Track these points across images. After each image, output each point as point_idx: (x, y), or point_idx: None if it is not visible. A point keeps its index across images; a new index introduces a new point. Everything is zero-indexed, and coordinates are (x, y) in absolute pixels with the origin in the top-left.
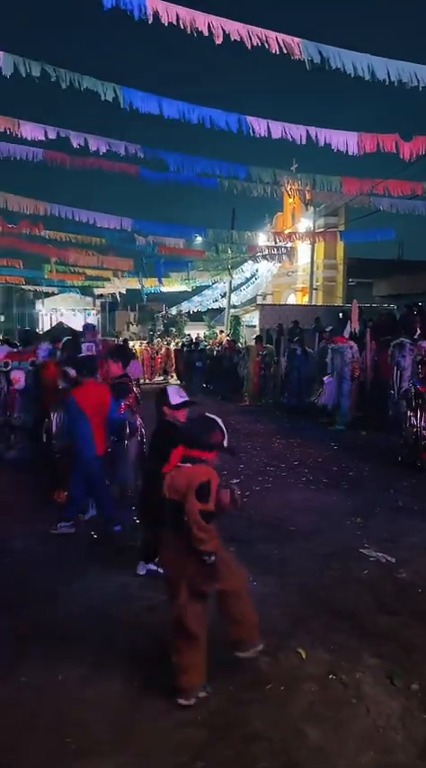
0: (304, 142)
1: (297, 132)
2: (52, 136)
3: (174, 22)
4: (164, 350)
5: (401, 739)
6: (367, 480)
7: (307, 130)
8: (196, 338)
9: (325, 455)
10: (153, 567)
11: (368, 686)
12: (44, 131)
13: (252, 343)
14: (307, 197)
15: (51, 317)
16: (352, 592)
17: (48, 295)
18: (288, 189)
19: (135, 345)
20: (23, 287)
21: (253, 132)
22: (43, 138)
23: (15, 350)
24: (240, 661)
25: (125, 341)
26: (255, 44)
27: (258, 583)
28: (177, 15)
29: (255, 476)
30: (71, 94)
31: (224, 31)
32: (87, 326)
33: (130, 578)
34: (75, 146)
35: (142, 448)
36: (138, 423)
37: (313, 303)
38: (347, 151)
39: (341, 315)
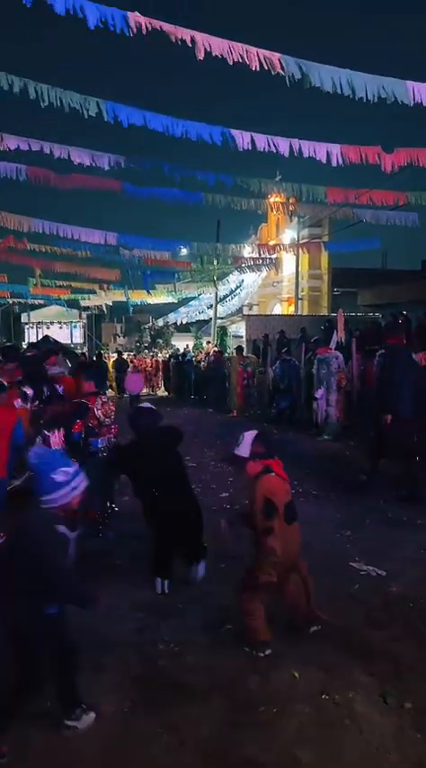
0: (287, 154)
1: (282, 144)
2: (35, 148)
3: (157, 36)
4: (150, 361)
5: (396, 760)
6: (355, 491)
7: (291, 142)
8: (185, 349)
9: (314, 466)
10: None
11: (361, 705)
12: (27, 144)
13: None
14: (291, 208)
15: (37, 330)
16: (343, 607)
17: (33, 308)
18: (272, 202)
19: (133, 357)
20: (8, 300)
21: (237, 145)
22: (27, 149)
23: None
24: (232, 682)
25: (119, 353)
26: (236, 59)
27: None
28: (161, 28)
29: (244, 489)
30: (54, 110)
31: (205, 47)
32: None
33: (119, 598)
34: (57, 156)
35: (103, 470)
36: (101, 444)
37: (298, 313)
38: (330, 162)
39: (326, 324)
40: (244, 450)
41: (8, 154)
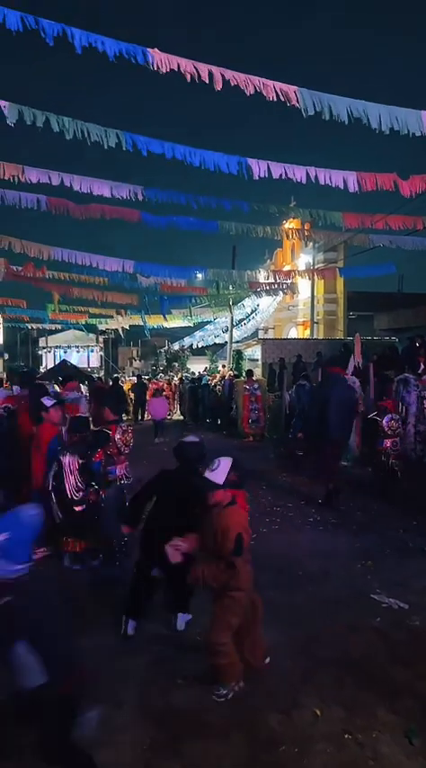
0: (304, 181)
1: (298, 172)
2: (55, 181)
3: (176, 69)
4: (165, 384)
5: None
6: (375, 520)
7: (307, 170)
8: (200, 373)
9: None
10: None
11: (385, 745)
12: (48, 176)
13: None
14: (307, 233)
15: (55, 355)
16: (364, 641)
17: (51, 332)
18: (287, 228)
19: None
20: (27, 324)
21: (254, 174)
22: (47, 182)
23: (12, 393)
24: (253, 719)
25: (138, 377)
26: (252, 92)
27: (266, 632)
28: (178, 65)
29: (262, 516)
30: (75, 142)
31: (223, 78)
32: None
33: (138, 631)
34: (77, 189)
35: (123, 498)
36: (119, 472)
37: (314, 337)
38: (346, 188)
39: (342, 348)
40: (218, 476)
41: (30, 187)
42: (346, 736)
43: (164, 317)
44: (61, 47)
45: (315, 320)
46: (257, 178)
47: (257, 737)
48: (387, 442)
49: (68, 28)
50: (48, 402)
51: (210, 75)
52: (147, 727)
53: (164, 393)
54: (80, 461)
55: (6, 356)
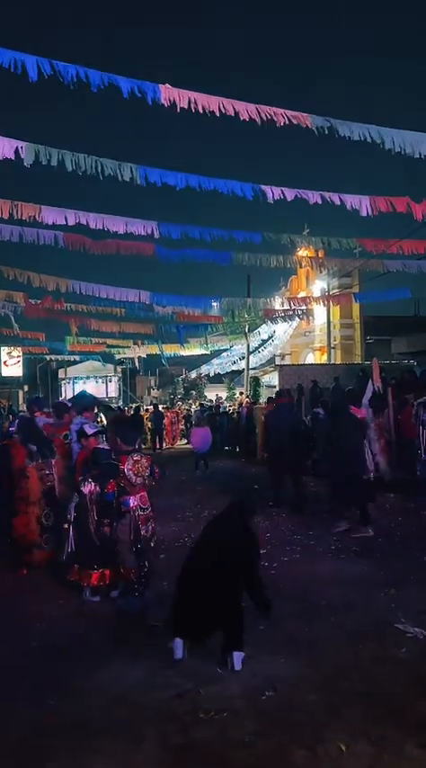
0: (320, 202)
1: (311, 197)
2: (71, 221)
3: (186, 107)
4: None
5: None
6: (398, 547)
7: (321, 194)
8: (217, 401)
9: (352, 520)
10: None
11: None
12: (64, 216)
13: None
14: (320, 258)
15: (74, 386)
16: (390, 673)
17: (70, 363)
18: (300, 256)
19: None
20: (46, 356)
21: (268, 198)
22: (64, 223)
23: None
24: (277, 756)
25: (155, 406)
26: (264, 119)
27: (288, 664)
28: (189, 100)
29: (282, 545)
30: (90, 177)
31: (234, 110)
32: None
33: (159, 663)
34: (92, 226)
35: (136, 529)
36: (133, 503)
37: (332, 362)
38: (360, 211)
39: (360, 373)
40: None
41: (48, 225)
42: None
43: (181, 345)
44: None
45: (332, 345)
46: (271, 202)
47: None
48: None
49: (83, 69)
50: (89, 430)
51: (222, 107)
52: (168, 764)
53: (204, 420)
54: (99, 492)
55: (26, 388)
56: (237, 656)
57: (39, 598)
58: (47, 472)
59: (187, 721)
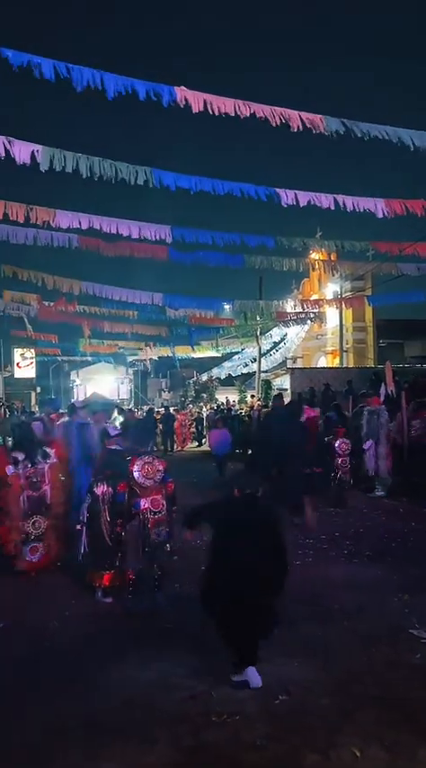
0: (332, 207)
1: (325, 200)
2: (85, 225)
3: (202, 109)
4: (195, 416)
5: None
6: (411, 552)
7: (335, 198)
8: (229, 404)
9: (367, 524)
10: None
11: None
12: (78, 220)
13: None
14: (333, 261)
15: (86, 388)
16: (404, 678)
17: (83, 365)
18: (312, 259)
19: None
20: (59, 358)
21: (282, 201)
22: (78, 227)
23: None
24: (289, 760)
25: (166, 408)
26: (278, 122)
27: (301, 668)
28: (204, 102)
29: (294, 549)
30: (105, 181)
31: (250, 110)
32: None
33: (171, 664)
34: (106, 230)
35: (145, 532)
36: (143, 505)
37: (344, 365)
38: (375, 214)
39: (373, 377)
40: None
41: (62, 228)
42: None
43: (192, 348)
44: (92, 91)
45: (345, 349)
46: (285, 206)
47: None
48: (339, 460)
49: (98, 72)
50: (112, 431)
51: (236, 108)
52: (180, 765)
53: (218, 421)
54: (111, 492)
55: (39, 389)
56: (253, 671)
57: (52, 598)
58: (35, 479)
59: (199, 723)
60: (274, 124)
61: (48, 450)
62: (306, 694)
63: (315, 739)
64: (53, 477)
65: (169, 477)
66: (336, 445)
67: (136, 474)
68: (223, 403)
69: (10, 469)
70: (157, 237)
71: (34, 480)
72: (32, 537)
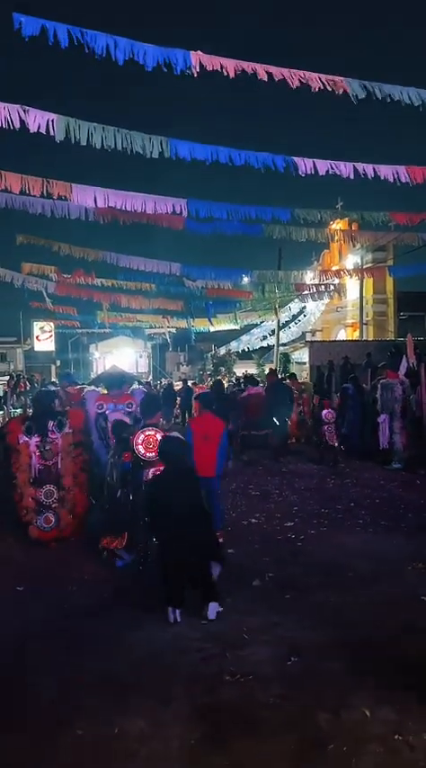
0: (352, 176)
1: (344, 168)
2: (101, 199)
3: (218, 69)
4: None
5: None
6: None
7: (354, 166)
8: (245, 377)
9: (382, 496)
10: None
11: None
12: (94, 194)
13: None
14: (353, 232)
15: (105, 361)
16: (417, 645)
17: (102, 338)
18: (333, 229)
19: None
20: (78, 331)
21: (300, 171)
22: (93, 203)
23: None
24: (301, 718)
25: (185, 381)
26: (297, 85)
27: (314, 632)
28: (221, 65)
29: (310, 518)
30: (119, 151)
31: (267, 74)
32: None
33: (185, 627)
34: (120, 206)
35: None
36: (147, 476)
37: (364, 338)
38: (397, 182)
39: (393, 350)
40: None
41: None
42: (396, 737)
43: (210, 321)
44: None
45: (365, 321)
46: (303, 175)
47: (305, 736)
48: (325, 427)
49: (112, 37)
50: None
51: (254, 71)
52: (195, 722)
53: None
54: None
55: (59, 362)
56: (213, 607)
57: (69, 565)
58: (47, 448)
59: (214, 683)
60: (293, 86)
61: (63, 419)
62: (318, 657)
63: (327, 700)
64: (65, 445)
65: None
66: (323, 414)
67: (136, 446)
68: (240, 377)
69: (22, 438)
70: (174, 211)
71: (46, 449)
72: (45, 506)
